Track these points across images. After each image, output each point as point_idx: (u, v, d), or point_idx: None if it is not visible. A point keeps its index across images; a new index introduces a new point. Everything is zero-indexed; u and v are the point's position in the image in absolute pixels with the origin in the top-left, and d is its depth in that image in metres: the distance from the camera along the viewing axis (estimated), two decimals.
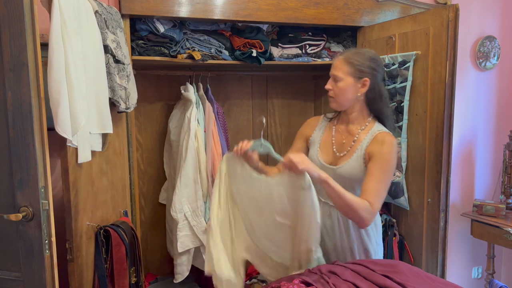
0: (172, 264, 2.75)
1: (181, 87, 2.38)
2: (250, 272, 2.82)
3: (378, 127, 1.69)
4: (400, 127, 2.16)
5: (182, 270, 2.24)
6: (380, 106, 1.70)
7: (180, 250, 2.17)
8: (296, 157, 1.47)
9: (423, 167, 2.11)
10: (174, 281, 2.27)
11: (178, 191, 2.17)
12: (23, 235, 1.43)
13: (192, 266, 2.37)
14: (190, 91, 2.28)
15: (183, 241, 2.19)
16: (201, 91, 2.39)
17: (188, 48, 2.23)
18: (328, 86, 1.70)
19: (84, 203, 1.65)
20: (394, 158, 1.64)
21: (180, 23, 2.24)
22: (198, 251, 2.30)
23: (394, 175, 2.18)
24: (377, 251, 1.78)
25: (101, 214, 1.80)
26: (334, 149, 1.75)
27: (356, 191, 1.67)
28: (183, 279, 2.25)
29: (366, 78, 1.64)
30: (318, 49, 2.55)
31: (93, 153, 1.67)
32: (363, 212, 1.51)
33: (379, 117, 1.72)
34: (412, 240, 2.22)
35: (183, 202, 2.18)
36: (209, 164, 2.25)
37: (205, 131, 2.27)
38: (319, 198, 1.58)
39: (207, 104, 2.31)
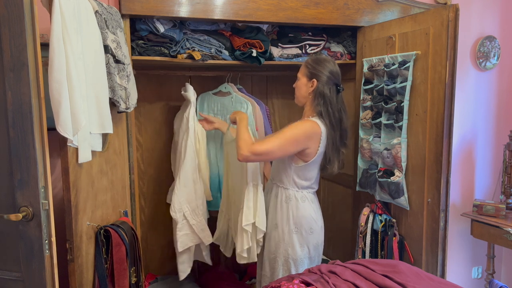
0: (173, 264, 2.76)
1: (182, 88, 2.38)
2: (250, 272, 2.82)
3: (312, 119, 1.95)
4: (400, 127, 2.16)
5: (184, 268, 2.30)
6: (321, 104, 1.95)
7: (180, 249, 2.22)
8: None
9: (423, 167, 2.11)
10: (180, 279, 2.32)
11: (177, 191, 2.19)
12: (23, 235, 1.43)
13: (193, 267, 2.38)
14: (189, 92, 2.28)
15: (183, 240, 2.22)
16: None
17: (188, 48, 2.23)
18: (294, 84, 2.06)
19: (84, 203, 1.65)
20: (298, 129, 1.91)
21: (180, 23, 2.24)
22: (199, 247, 2.34)
23: (394, 175, 2.19)
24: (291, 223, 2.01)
25: (101, 214, 1.80)
26: None
27: (286, 170, 2.00)
28: (185, 276, 2.31)
29: (314, 79, 1.95)
30: (318, 49, 2.55)
31: (93, 153, 1.67)
32: (243, 144, 1.86)
33: (321, 115, 1.95)
34: (412, 240, 2.22)
35: (182, 202, 2.20)
36: None
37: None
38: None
39: None
